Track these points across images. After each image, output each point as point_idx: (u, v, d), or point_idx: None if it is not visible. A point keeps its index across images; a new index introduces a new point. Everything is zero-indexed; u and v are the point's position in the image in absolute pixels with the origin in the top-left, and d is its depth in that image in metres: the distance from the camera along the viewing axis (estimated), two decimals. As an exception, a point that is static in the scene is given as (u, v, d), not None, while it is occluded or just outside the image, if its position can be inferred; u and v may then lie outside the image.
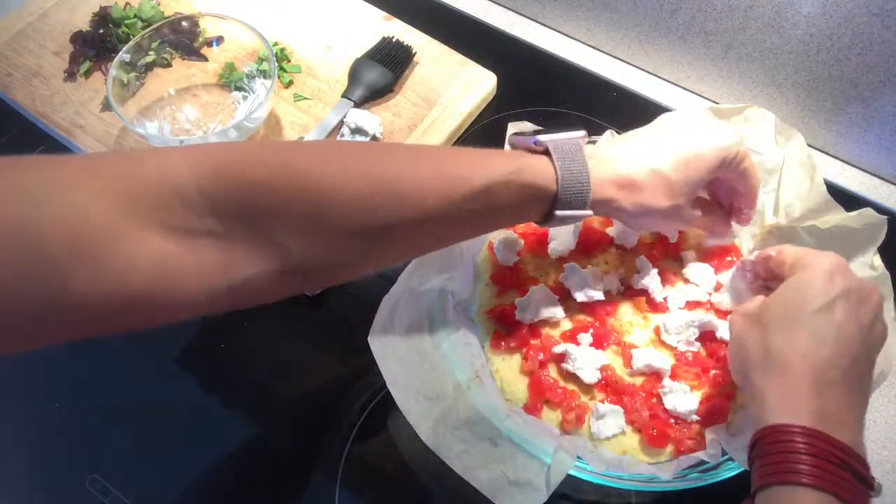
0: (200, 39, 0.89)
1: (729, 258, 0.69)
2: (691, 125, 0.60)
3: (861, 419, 0.49)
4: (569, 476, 0.57)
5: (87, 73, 0.89)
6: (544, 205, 0.55)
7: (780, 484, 0.45)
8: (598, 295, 0.66)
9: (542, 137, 0.56)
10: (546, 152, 0.55)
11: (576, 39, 0.98)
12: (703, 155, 0.58)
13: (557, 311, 0.66)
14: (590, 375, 0.63)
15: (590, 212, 0.56)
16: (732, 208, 0.66)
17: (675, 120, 0.62)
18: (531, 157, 0.55)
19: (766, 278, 0.59)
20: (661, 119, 0.63)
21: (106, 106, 0.86)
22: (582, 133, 0.57)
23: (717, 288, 0.67)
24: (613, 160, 0.58)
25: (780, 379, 0.48)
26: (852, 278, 0.52)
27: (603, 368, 0.63)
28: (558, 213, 0.55)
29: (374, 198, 0.48)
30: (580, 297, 0.66)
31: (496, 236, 0.71)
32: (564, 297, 0.67)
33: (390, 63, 0.87)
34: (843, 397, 0.48)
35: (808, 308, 0.50)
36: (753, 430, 0.48)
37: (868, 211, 0.61)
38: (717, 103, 0.90)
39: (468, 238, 0.59)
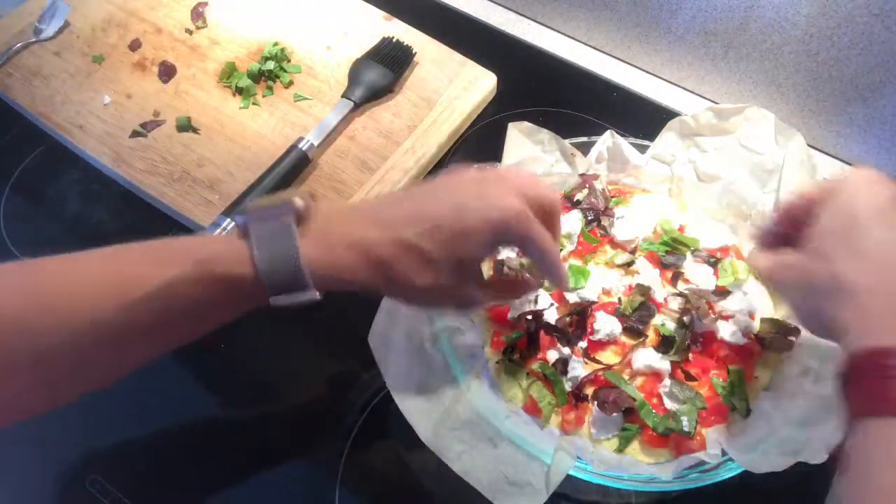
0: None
1: (729, 259, 0.70)
2: (460, 188, 0.50)
3: None
4: (569, 476, 0.57)
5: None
6: (251, 294, 0.46)
7: (883, 415, 0.41)
8: (591, 295, 0.66)
9: (243, 216, 0.47)
10: (245, 234, 0.46)
11: (576, 39, 0.98)
12: (469, 230, 0.48)
13: (551, 315, 0.66)
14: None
15: (315, 293, 0.47)
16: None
17: (444, 182, 0.52)
18: (223, 243, 0.47)
19: (795, 229, 0.52)
20: (431, 182, 0.52)
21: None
22: (291, 205, 0.47)
23: (718, 290, 0.67)
24: (334, 231, 0.48)
25: (859, 307, 0.44)
26: (892, 184, 0.48)
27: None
28: (274, 300, 0.46)
29: (25, 318, 0.42)
30: (572, 297, 0.67)
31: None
32: (562, 299, 0.67)
33: (390, 63, 0.87)
34: None
35: (863, 228, 0.46)
36: (840, 361, 0.44)
37: (868, 211, 0.61)
38: (717, 103, 0.90)
39: (174, 346, 0.49)
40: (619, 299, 0.67)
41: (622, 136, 0.74)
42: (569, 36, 0.98)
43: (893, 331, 0.42)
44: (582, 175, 0.74)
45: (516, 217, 0.49)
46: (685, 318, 0.64)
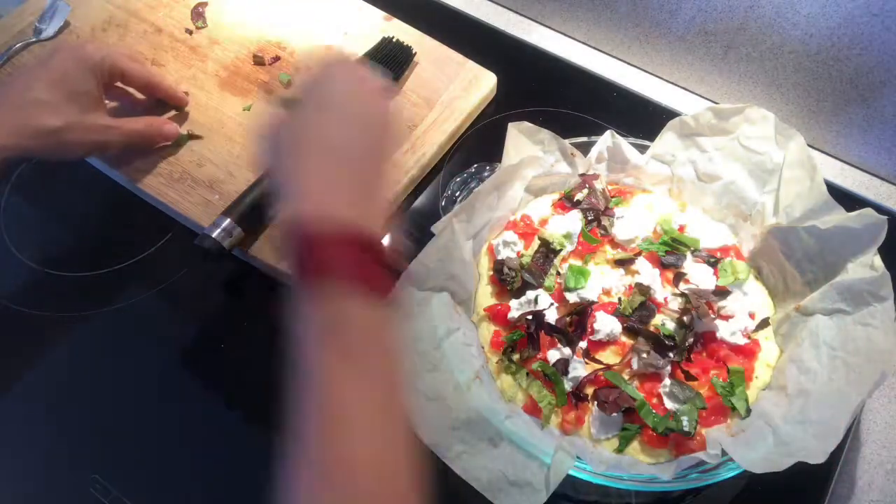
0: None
1: (729, 258, 0.70)
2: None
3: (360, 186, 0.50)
4: (569, 476, 0.57)
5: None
6: None
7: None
8: (591, 295, 0.66)
9: None
10: None
11: (576, 39, 0.98)
12: (66, 68, 0.70)
13: (551, 315, 0.65)
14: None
15: None
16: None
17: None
18: None
19: None
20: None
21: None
22: None
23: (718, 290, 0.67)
24: None
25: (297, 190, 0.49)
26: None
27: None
28: None
29: None
30: (572, 297, 0.67)
31: (496, 237, 0.72)
32: (562, 299, 0.67)
33: (390, 63, 0.87)
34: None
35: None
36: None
37: (868, 211, 0.61)
38: (717, 103, 0.90)
39: None
40: (619, 299, 0.67)
41: (622, 136, 0.74)
42: (569, 36, 0.98)
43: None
44: (582, 175, 0.74)
45: (104, 53, 0.73)
46: (685, 318, 0.65)
